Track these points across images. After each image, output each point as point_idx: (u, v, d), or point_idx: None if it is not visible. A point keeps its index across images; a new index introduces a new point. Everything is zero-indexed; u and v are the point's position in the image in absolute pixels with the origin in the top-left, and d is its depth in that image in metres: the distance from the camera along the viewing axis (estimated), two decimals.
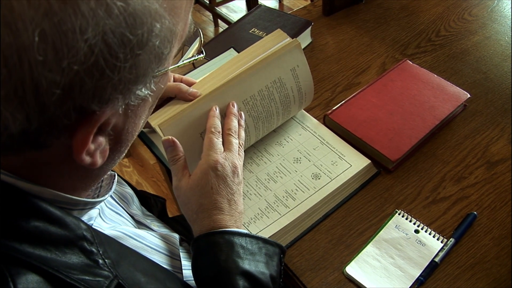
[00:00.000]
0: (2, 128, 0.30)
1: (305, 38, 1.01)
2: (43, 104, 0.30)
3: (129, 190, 0.67)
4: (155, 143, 0.78)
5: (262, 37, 0.96)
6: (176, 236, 0.70)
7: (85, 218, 0.47)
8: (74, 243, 0.40)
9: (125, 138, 0.40)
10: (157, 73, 0.37)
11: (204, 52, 0.46)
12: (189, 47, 0.49)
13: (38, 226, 0.37)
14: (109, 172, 0.54)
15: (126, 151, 0.44)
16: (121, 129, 0.39)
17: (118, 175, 0.69)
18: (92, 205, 0.46)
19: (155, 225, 0.67)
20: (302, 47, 1.00)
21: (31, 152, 0.35)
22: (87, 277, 0.38)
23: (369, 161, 0.73)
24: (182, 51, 0.46)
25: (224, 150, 0.60)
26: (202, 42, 0.47)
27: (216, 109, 0.64)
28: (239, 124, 0.65)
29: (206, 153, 0.59)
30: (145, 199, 0.75)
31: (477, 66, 0.93)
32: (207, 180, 0.58)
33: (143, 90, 0.36)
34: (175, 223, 0.79)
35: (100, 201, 0.48)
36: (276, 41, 0.71)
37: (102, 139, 0.37)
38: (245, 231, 0.58)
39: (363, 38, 1.03)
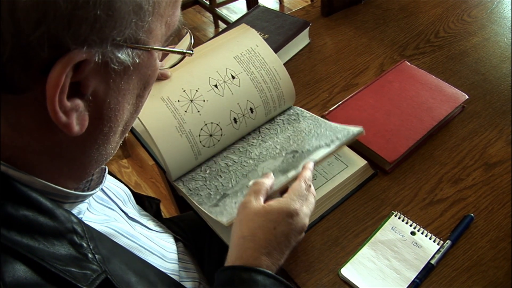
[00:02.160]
0: None
1: (303, 39, 1.00)
2: (17, 21, 0.29)
3: (124, 188, 0.67)
4: (150, 144, 0.78)
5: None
6: (172, 237, 0.70)
7: (74, 211, 0.46)
8: (63, 235, 0.40)
9: (106, 114, 0.39)
10: (140, 35, 0.36)
11: (192, 51, 0.46)
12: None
13: (27, 215, 0.37)
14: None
15: (113, 138, 0.43)
16: (102, 100, 0.38)
17: (114, 175, 0.68)
18: (83, 198, 0.46)
19: (151, 224, 0.67)
20: (300, 47, 1.01)
21: (8, 103, 0.34)
22: (73, 269, 0.38)
23: (365, 162, 0.73)
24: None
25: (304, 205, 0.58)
26: (192, 43, 0.47)
27: (312, 164, 0.63)
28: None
29: (292, 197, 0.57)
30: (139, 200, 0.74)
31: (476, 68, 0.93)
32: (276, 219, 0.55)
33: (122, 54, 0.36)
34: (171, 224, 0.79)
35: (91, 194, 0.47)
36: (240, 32, 0.78)
37: (79, 102, 0.36)
38: (271, 272, 0.54)
39: (361, 39, 1.03)
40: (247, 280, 0.51)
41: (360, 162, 0.73)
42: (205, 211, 0.66)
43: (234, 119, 0.73)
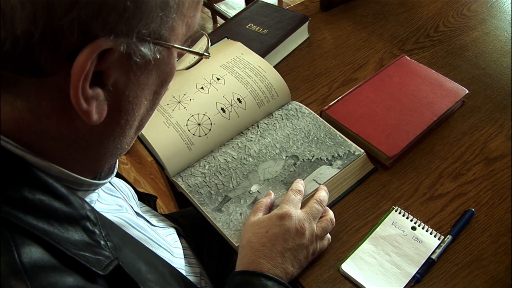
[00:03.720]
0: (8, 21, 0.30)
1: (302, 34, 1.00)
2: (51, 3, 0.30)
3: (127, 185, 0.67)
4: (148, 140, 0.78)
5: (259, 32, 0.96)
6: (175, 232, 0.70)
7: (87, 200, 0.46)
8: (77, 221, 0.40)
9: (124, 106, 0.39)
10: (163, 32, 0.37)
11: (209, 53, 0.46)
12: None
13: (43, 200, 0.38)
14: None
15: (128, 132, 0.43)
16: (122, 92, 0.38)
17: (118, 173, 0.68)
18: (96, 187, 0.47)
19: (154, 220, 0.67)
20: (299, 42, 1.00)
21: (31, 86, 0.35)
22: (87, 254, 0.39)
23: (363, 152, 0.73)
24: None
25: (300, 210, 0.62)
26: (209, 46, 0.47)
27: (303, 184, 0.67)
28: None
29: (281, 206, 0.63)
30: (138, 196, 0.74)
31: (476, 62, 0.92)
32: (267, 224, 0.60)
33: (145, 48, 0.36)
34: (171, 219, 0.78)
35: (104, 183, 0.48)
36: (227, 45, 0.85)
37: (100, 91, 0.36)
38: (282, 280, 0.57)
39: (361, 34, 1.02)
40: (261, 285, 0.54)
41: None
42: (209, 216, 0.67)
43: (222, 109, 0.75)
